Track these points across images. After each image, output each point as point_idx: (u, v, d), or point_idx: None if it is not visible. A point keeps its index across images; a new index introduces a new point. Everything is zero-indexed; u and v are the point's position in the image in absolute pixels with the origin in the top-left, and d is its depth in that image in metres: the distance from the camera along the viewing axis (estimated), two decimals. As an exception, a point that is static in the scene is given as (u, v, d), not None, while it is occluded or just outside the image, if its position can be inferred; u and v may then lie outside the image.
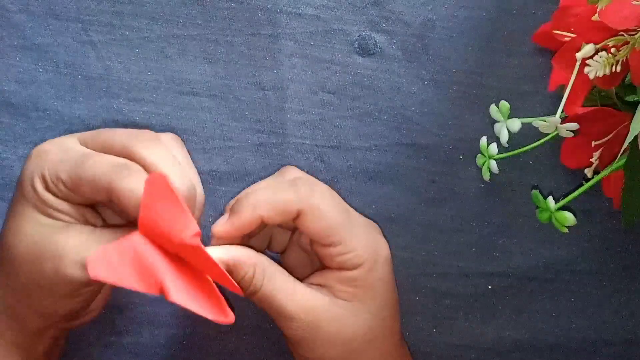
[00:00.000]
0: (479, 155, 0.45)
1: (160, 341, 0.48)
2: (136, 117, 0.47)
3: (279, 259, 0.44)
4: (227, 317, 0.34)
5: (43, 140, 0.46)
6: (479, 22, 0.47)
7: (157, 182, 0.34)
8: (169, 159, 0.37)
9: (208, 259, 0.34)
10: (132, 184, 0.34)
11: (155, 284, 0.33)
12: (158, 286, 0.33)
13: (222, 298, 0.34)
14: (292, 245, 0.43)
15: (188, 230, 0.33)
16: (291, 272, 0.40)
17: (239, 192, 0.42)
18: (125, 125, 0.46)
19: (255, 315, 0.48)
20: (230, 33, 0.47)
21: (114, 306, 0.47)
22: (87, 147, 0.38)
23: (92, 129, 0.46)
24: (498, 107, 0.42)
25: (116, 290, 0.47)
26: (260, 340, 0.48)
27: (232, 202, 0.40)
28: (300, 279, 0.40)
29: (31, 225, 0.36)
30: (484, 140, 0.44)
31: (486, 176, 0.44)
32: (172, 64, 0.47)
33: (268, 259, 0.39)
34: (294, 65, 0.47)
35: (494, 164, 0.43)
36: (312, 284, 0.40)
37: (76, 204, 0.37)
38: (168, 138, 0.41)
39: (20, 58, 0.46)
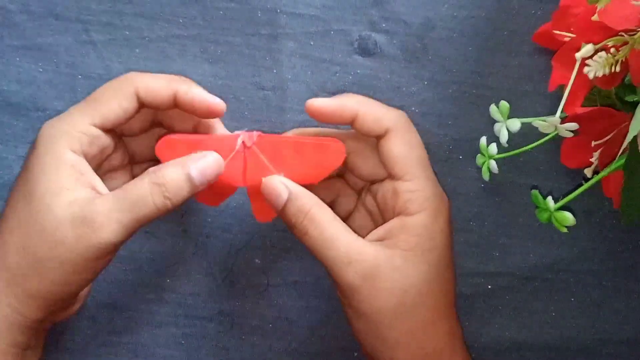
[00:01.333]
0: (479, 155, 0.45)
1: (160, 341, 0.48)
2: (136, 117, 0.47)
3: None
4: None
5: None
6: (479, 22, 0.47)
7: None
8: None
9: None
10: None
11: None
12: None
13: None
14: (359, 207, 0.44)
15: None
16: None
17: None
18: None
19: (256, 315, 0.48)
20: (230, 33, 0.47)
21: (113, 306, 0.48)
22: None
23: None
24: (498, 107, 0.42)
25: (116, 290, 0.47)
26: (260, 340, 0.48)
27: None
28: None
29: (68, 196, 0.37)
30: (483, 140, 0.44)
31: (486, 176, 0.44)
32: (172, 64, 0.47)
33: (329, 208, 0.40)
34: (294, 66, 0.47)
35: (493, 164, 0.43)
36: (372, 240, 0.41)
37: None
38: None
39: (21, 58, 0.46)
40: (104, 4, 0.46)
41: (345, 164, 0.43)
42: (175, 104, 0.40)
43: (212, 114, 0.41)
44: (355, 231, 0.41)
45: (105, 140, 0.40)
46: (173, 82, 0.40)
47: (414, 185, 0.40)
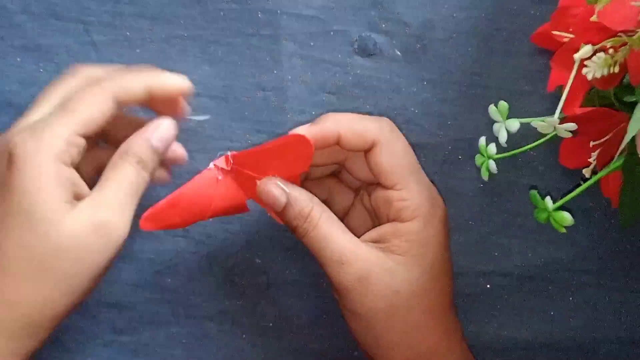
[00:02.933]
0: (478, 155, 0.45)
1: (160, 341, 0.48)
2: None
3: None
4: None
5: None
6: (478, 22, 0.47)
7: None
8: None
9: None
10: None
11: None
12: None
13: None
14: (356, 205, 0.45)
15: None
16: (353, 233, 0.41)
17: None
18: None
19: (256, 315, 0.48)
20: (230, 34, 0.47)
21: (114, 306, 0.48)
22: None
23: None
24: (497, 107, 0.42)
25: (117, 290, 0.47)
26: (260, 340, 0.48)
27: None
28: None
29: (77, 210, 0.37)
30: (483, 140, 0.44)
31: (485, 176, 0.44)
32: (172, 64, 0.47)
33: (327, 207, 0.40)
34: (294, 66, 0.47)
35: (492, 164, 0.43)
36: (366, 241, 0.41)
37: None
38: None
39: (22, 58, 0.47)
40: (105, 4, 0.46)
41: (343, 164, 0.44)
42: (150, 98, 0.40)
43: (183, 94, 0.41)
44: (353, 229, 0.42)
45: (84, 145, 0.39)
46: (144, 76, 0.40)
47: (405, 194, 0.40)
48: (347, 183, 0.45)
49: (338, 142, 0.41)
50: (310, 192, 0.41)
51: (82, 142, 0.38)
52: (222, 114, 0.47)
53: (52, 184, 0.36)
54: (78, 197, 0.38)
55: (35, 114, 0.39)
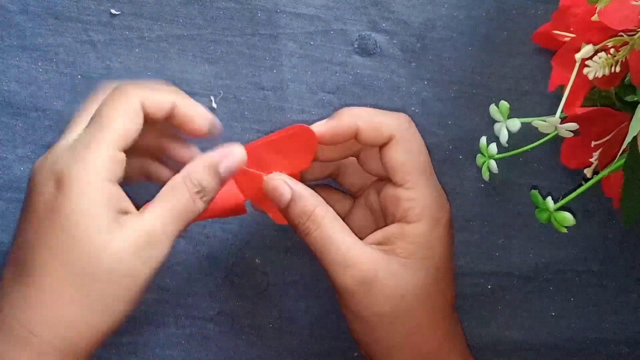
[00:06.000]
0: (479, 155, 0.45)
1: (160, 341, 0.48)
2: (136, 117, 0.47)
3: None
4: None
5: (43, 140, 0.46)
6: (479, 22, 0.47)
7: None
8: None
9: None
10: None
11: None
12: None
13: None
14: (357, 207, 0.44)
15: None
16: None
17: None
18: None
19: (255, 315, 0.48)
20: (230, 33, 0.47)
21: (114, 306, 0.48)
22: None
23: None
24: (498, 107, 0.42)
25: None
26: (260, 340, 0.48)
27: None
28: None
29: (121, 229, 0.36)
30: (483, 140, 0.44)
31: (486, 176, 0.44)
32: (172, 64, 0.47)
33: (331, 208, 0.40)
34: (293, 66, 0.47)
35: (493, 164, 0.43)
36: (370, 243, 0.40)
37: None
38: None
39: (20, 58, 0.46)
40: (104, 3, 0.46)
41: (357, 157, 0.43)
42: (171, 116, 0.39)
43: (206, 131, 0.40)
44: (354, 232, 0.41)
45: (125, 159, 0.38)
46: (171, 93, 0.40)
47: (414, 194, 0.40)
48: (347, 186, 0.45)
49: (356, 137, 0.40)
50: None
51: (124, 157, 0.37)
52: (221, 113, 0.47)
53: (99, 204, 0.36)
54: (124, 213, 0.37)
55: (74, 133, 0.38)
